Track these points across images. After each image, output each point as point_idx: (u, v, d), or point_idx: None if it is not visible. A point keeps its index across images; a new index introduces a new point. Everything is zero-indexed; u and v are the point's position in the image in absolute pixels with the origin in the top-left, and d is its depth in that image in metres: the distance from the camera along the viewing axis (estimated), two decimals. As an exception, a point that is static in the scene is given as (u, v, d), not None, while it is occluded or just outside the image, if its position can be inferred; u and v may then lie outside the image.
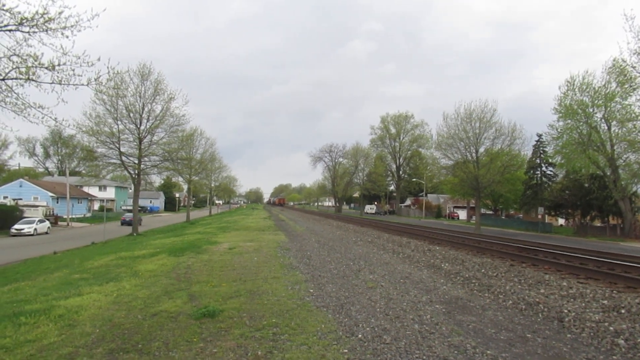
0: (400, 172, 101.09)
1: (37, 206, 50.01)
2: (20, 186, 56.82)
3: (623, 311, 7.81)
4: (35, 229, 38.12)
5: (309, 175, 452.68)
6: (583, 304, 8.40)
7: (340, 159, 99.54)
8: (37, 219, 40.47)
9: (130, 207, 62.97)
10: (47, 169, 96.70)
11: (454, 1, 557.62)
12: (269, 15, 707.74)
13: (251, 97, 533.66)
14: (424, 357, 5.52)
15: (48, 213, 50.09)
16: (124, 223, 51.32)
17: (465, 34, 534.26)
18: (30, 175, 71.57)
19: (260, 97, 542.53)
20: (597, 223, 49.48)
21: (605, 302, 8.49)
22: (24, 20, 10.17)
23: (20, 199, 51.87)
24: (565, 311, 7.88)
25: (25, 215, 44.12)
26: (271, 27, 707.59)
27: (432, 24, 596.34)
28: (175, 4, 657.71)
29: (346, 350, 5.66)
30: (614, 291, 9.54)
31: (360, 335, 6.31)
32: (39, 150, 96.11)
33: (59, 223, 50.18)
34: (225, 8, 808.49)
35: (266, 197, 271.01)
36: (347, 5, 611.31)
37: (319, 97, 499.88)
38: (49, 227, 41.31)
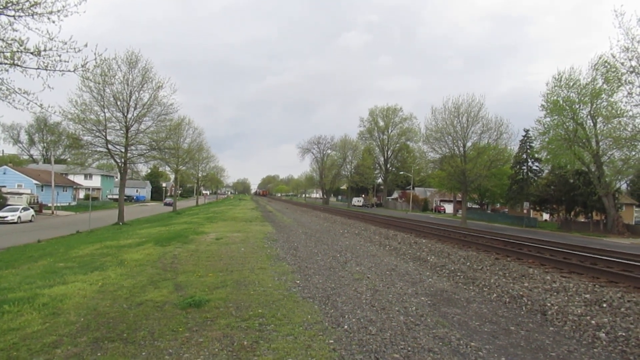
0: (388, 165, 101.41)
1: (21, 194, 49.20)
2: (4, 173, 55.91)
3: (605, 305, 7.96)
4: (19, 217, 37.53)
5: (298, 167, 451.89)
6: (566, 298, 8.53)
7: (329, 151, 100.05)
8: (21, 207, 39.85)
9: (116, 197, 62.39)
10: (31, 156, 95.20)
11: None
12: (264, 4, 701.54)
13: (245, 88, 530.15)
14: (409, 348, 5.56)
15: (32, 201, 49.35)
16: (166, 204, 76.21)
17: (463, 28, 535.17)
18: (14, 162, 70.57)
19: (253, 88, 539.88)
20: (581, 219, 50.26)
21: (587, 296, 8.63)
22: (9, 4, 9.93)
23: (4, 186, 50.97)
24: (549, 304, 7.99)
25: (9, 202, 43.47)
26: (266, 16, 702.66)
27: (430, 16, 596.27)
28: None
29: (332, 341, 5.69)
30: (596, 285, 9.71)
31: (346, 326, 6.33)
32: (24, 137, 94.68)
33: (44, 211, 49.49)
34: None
35: (254, 188, 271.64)
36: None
37: (314, 89, 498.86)
38: (33, 215, 40.71)
